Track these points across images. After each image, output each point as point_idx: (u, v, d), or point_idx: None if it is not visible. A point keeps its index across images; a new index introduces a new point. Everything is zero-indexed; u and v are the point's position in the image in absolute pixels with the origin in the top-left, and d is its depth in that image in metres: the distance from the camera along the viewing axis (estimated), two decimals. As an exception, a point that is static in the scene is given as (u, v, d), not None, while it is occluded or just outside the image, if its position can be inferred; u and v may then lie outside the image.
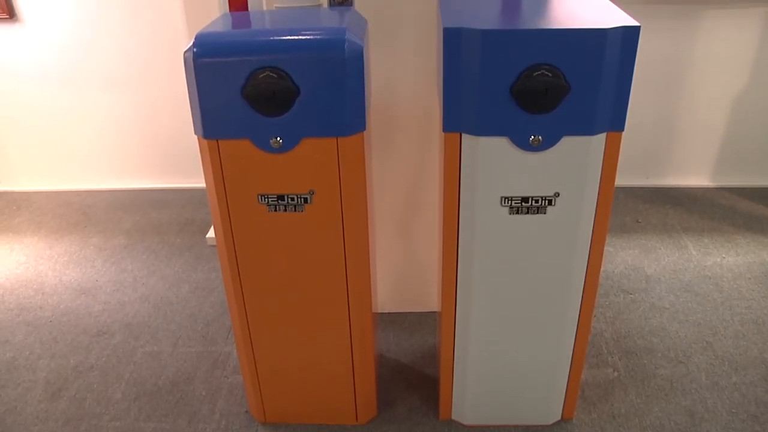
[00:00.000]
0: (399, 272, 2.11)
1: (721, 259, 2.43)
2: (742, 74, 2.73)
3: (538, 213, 1.39)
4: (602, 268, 2.19)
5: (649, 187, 2.98)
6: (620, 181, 2.50)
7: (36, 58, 2.90)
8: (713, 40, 2.66)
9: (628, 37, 1.22)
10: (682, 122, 2.84)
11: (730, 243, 2.54)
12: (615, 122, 1.30)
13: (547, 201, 1.37)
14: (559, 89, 1.24)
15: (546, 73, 1.23)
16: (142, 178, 3.16)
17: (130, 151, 3.10)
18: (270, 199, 1.37)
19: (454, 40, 1.22)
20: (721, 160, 2.94)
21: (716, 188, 2.97)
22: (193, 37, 1.27)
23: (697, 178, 2.98)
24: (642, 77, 2.64)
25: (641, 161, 2.94)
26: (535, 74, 1.22)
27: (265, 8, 1.51)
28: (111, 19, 2.79)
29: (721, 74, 2.73)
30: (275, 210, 1.39)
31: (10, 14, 2.79)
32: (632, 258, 2.47)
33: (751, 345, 2.01)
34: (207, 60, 1.24)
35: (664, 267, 2.41)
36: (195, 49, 1.24)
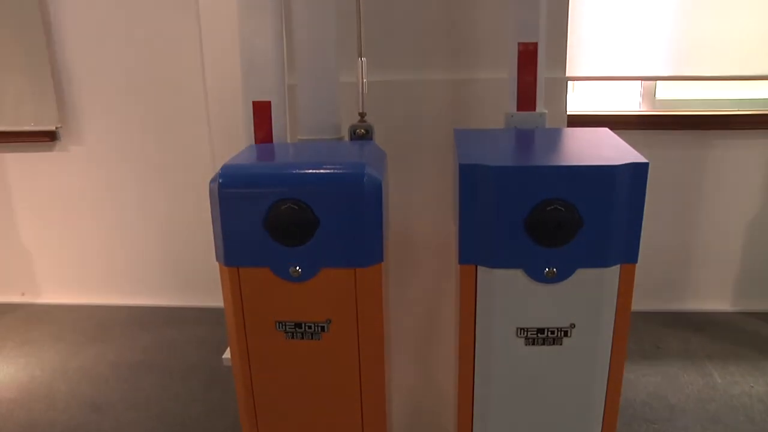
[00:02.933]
0: (415, 398, 2.08)
1: (749, 388, 2.37)
2: (755, 198, 2.77)
3: (554, 344, 1.38)
4: (623, 397, 2.14)
5: (668, 312, 2.95)
6: (639, 306, 2.49)
7: (69, 180, 3.02)
8: (724, 165, 2.72)
9: (637, 172, 1.27)
10: (699, 247, 2.86)
11: (757, 371, 2.47)
12: (628, 254, 1.32)
13: (563, 332, 1.37)
14: (571, 223, 1.27)
15: (559, 207, 1.26)
16: (160, 296, 3.20)
17: (150, 268, 3.16)
18: (288, 327, 1.39)
19: (469, 176, 1.26)
20: (741, 284, 2.92)
21: (738, 313, 2.93)
22: (219, 168, 1.33)
23: (717, 303, 2.95)
24: (656, 204, 2.68)
25: (659, 286, 2.93)
26: (548, 209, 1.26)
27: (288, 140, 1.58)
28: (140, 145, 2.93)
29: (734, 199, 2.77)
30: (292, 337, 1.40)
31: (51, 138, 2.94)
32: (654, 386, 2.41)
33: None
34: (231, 191, 1.30)
35: (689, 396, 2.35)
36: (220, 180, 1.30)
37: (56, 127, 2.94)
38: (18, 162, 3.05)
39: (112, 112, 2.94)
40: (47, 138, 2.95)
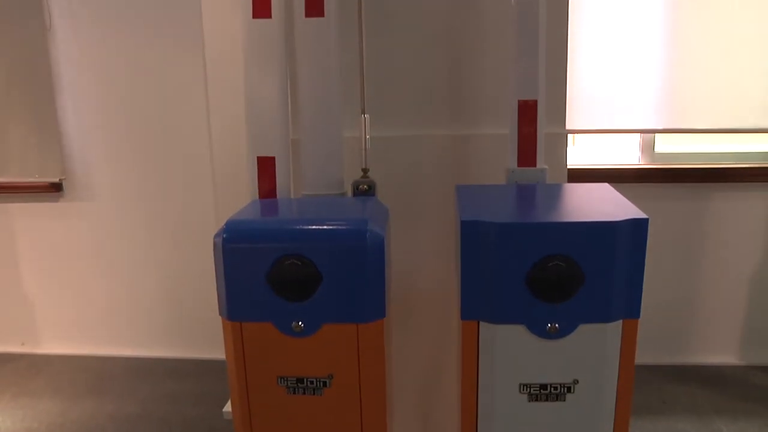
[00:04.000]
0: (417, 453, 2.05)
1: (757, 444, 2.33)
2: (758, 250, 2.77)
3: (557, 400, 1.37)
4: (629, 453, 2.11)
5: (674, 366, 2.92)
6: (643, 359, 2.47)
7: (72, 230, 3.05)
8: (725, 218, 2.73)
9: (637, 228, 1.28)
10: (704, 300, 2.85)
11: None
12: (631, 310, 1.32)
13: (565, 388, 1.36)
14: (573, 279, 1.27)
15: (560, 263, 1.27)
16: (161, 347, 3.18)
17: (151, 320, 3.15)
18: (289, 382, 1.38)
19: (470, 232, 1.28)
20: (747, 337, 2.90)
21: (746, 366, 2.90)
22: (223, 222, 1.35)
23: (724, 356, 2.92)
24: (658, 257, 2.69)
25: (665, 340, 2.91)
26: (549, 264, 1.27)
27: (292, 195, 1.60)
28: (144, 196, 2.95)
29: (737, 251, 2.77)
30: (294, 392, 1.39)
31: (56, 189, 2.97)
32: (660, 441, 2.38)
33: None
34: (236, 246, 1.31)
35: (695, 452, 2.31)
36: (225, 235, 1.32)
37: (59, 179, 2.97)
38: (22, 212, 3.08)
39: (116, 163, 2.97)
40: (52, 189, 2.98)
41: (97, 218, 3.03)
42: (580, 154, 2.79)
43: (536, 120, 1.57)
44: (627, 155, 2.71)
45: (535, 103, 1.57)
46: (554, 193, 1.49)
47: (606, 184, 1.56)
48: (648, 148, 2.66)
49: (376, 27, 1.77)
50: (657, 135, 2.63)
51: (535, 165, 1.58)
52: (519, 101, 1.57)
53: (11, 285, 3.18)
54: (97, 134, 2.97)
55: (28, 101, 2.91)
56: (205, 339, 3.10)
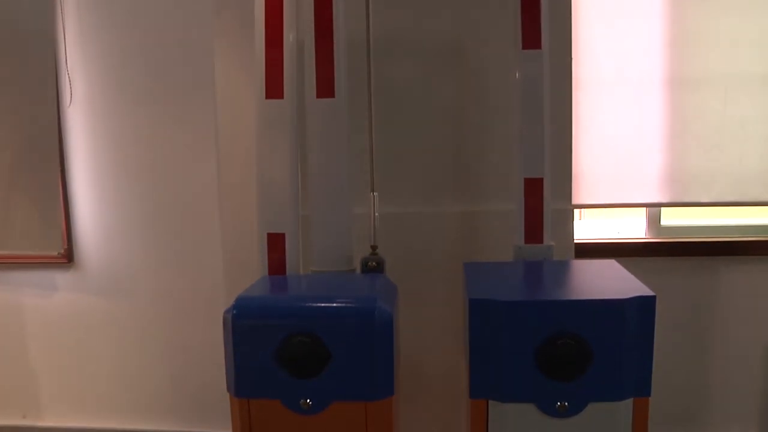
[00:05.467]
0: None
1: None
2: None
3: (569, 481, 1.35)
4: None
5: (689, 442, 2.85)
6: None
7: (77, 302, 3.05)
8: (734, 291, 2.71)
9: (644, 305, 1.29)
10: (717, 375, 2.80)
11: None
12: (641, 388, 1.32)
13: (577, 469, 1.34)
14: (582, 357, 1.27)
15: (569, 341, 1.27)
16: (166, 421, 3.13)
17: (156, 393, 3.12)
18: (296, 460, 1.36)
19: (479, 311, 1.28)
20: (763, 412, 2.84)
21: (760, 443, 2.83)
22: (234, 298, 1.36)
23: (742, 432, 2.86)
24: (668, 332, 2.65)
25: (678, 416, 2.85)
26: (558, 342, 1.27)
27: (301, 270, 1.61)
28: (151, 270, 2.97)
29: (748, 325, 2.74)
30: (301, 471, 1.37)
31: (69, 259, 2.99)
32: None
33: None
34: (245, 322, 1.32)
35: None
36: (235, 311, 1.33)
37: (58, 252, 2.97)
38: (27, 284, 3.09)
39: (126, 236, 3.00)
40: (58, 260, 2.99)
41: (105, 290, 3.03)
42: (587, 227, 2.81)
43: (542, 197, 1.60)
44: (634, 229, 2.73)
45: (541, 180, 1.60)
46: (561, 271, 1.50)
47: (613, 261, 1.57)
48: (654, 222, 2.67)
49: (385, 106, 1.83)
50: (663, 209, 2.65)
51: (542, 241, 1.59)
52: (525, 179, 1.60)
53: (13, 356, 3.17)
54: (109, 206, 3.01)
55: (36, 176, 2.95)
56: (213, 414, 3.05)
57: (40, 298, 3.11)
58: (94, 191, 3.01)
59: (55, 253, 2.96)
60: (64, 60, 2.78)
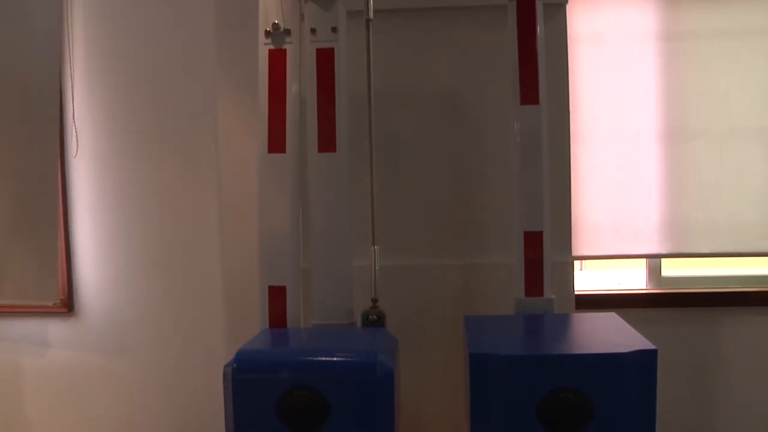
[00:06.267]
0: None
1: None
2: (772, 375, 2.72)
3: None
4: None
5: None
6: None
7: (74, 352, 3.03)
8: (736, 343, 2.69)
9: (646, 359, 1.28)
10: (720, 426, 2.77)
11: None
12: (644, 443, 1.30)
13: None
14: (583, 411, 1.26)
15: (569, 395, 1.27)
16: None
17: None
18: None
19: (479, 365, 1.28)
20: (769, 467, 2.79)
21: (768, 499, 2.78)
22: (234, 352, 1.36)
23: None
24: (671, 383, 2.64)
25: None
26: (559, 396, 1.26)
27: (302, 323, 1.61)
28: (152, 322, 2.96)
29: (753, 376, 2.72)
30: None
31: (69, 309, 2.98)
32: None
33: None
34: (245, 376, 1.32)
35: None
36: (235, 365, 1.33)
37: (54, 303, 2.96)
38: (27, 330, 3.07)
39: (125, 287, 2.99)
40: (57, 309, 2.98)
41: (105, 340, 3.02)
42: (588, 277, 2.81)
43: (542, 250, 1.61)
44: (634, 280, 2.73)
45: (540, 234, 1.61)
46: (562, 324, 1.50)
47: (613, 314, 1.57)
48: (655, 272, 2.68)
49: (386, 160, 1.86)
50: (663, 260, 2.66)
51: (542, 294, 1.60)
52: (525, 232, 1.61)
53: (10, 404, 3.13)
54: (110, 255, 3.01)
55: (35, 224, 2.95)
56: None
57: (37, 346, 3.08)
58: (96, 240, 3.02)
59: (50, 303, 2.94)
60: (72, 111, 2.83)
